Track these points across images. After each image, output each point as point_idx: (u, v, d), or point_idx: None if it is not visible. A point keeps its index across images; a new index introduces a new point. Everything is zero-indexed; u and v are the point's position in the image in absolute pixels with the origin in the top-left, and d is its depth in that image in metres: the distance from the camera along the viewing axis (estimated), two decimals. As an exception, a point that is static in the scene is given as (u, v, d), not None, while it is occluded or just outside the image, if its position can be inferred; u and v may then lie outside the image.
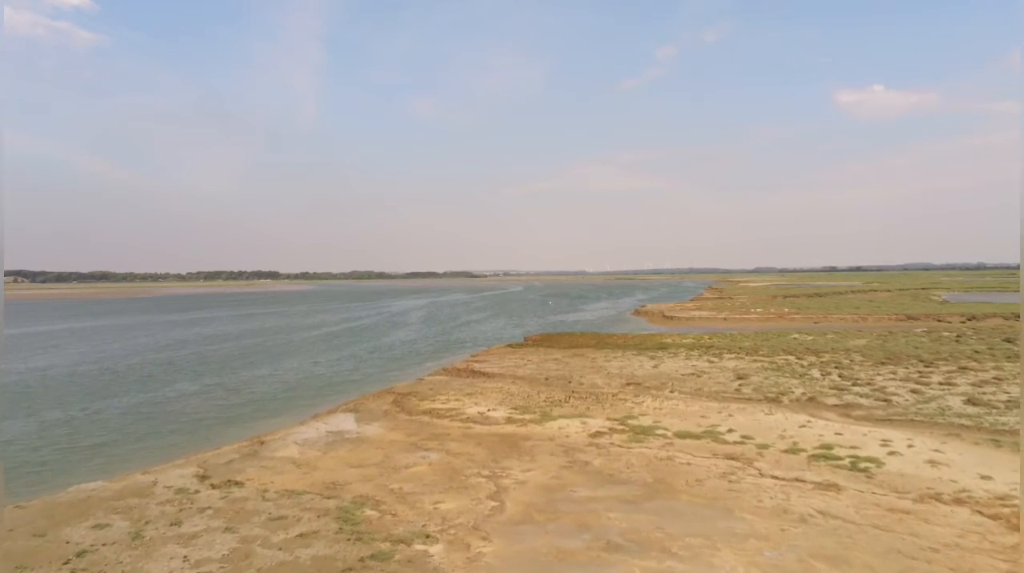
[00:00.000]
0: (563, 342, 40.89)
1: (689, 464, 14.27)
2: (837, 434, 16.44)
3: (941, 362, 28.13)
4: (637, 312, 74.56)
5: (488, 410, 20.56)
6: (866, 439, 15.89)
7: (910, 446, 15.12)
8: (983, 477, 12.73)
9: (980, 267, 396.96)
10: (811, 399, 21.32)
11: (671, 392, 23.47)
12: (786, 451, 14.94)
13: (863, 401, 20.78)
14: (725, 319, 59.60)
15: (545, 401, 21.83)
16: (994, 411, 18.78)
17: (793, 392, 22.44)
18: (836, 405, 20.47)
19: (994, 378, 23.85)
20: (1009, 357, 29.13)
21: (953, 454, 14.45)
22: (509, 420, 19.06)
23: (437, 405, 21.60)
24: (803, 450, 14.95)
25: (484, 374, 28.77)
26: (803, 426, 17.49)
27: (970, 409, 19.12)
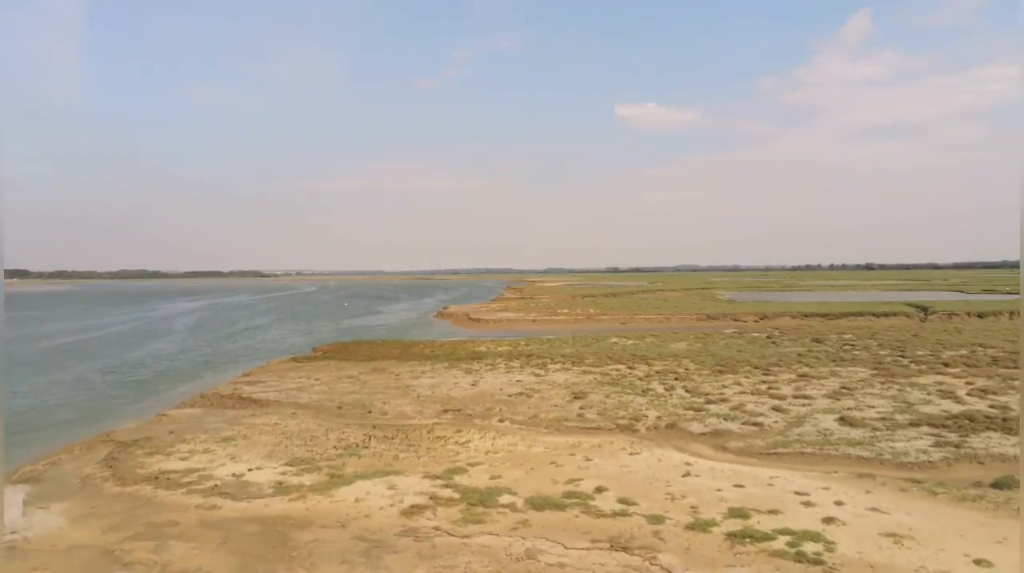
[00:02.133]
0: (361, 353, 34.59)
1: (563, 567, 9.14)
2: (737, 486, 12.26)
3: (775, 368, 25.99)
4: (441, 314, 69.71)
5: (249, 469, 14.06)
6: (777, 493, 11.84)
7: (838, 504, 11.21)
8: (977, 563, 8.93)
9: (736, 269, 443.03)
10: (671, 426, 17.34)
11: (501, 421, 18.46)
12: (690, 527, 10.32)
13: (731, 426, 17.16)
14: (534, 321, 56.50)
15: (336, 446, 15.78)
16: (878, 434, 15.89)
17: (646, 415, 18.41)
18: (703, 433, 16.62)
19: (843, 387, 21.65)
20: (835, 360, 27.89)
21: (900, 515, 10.71)
22: (280, 487, 12.79)
23: (172, 463, 14.67)
24: (712, 523, 10.43)
25: (255, 402, 21.91)
26: (687, 474, 13.16)
27: (853, 432, 16.09)
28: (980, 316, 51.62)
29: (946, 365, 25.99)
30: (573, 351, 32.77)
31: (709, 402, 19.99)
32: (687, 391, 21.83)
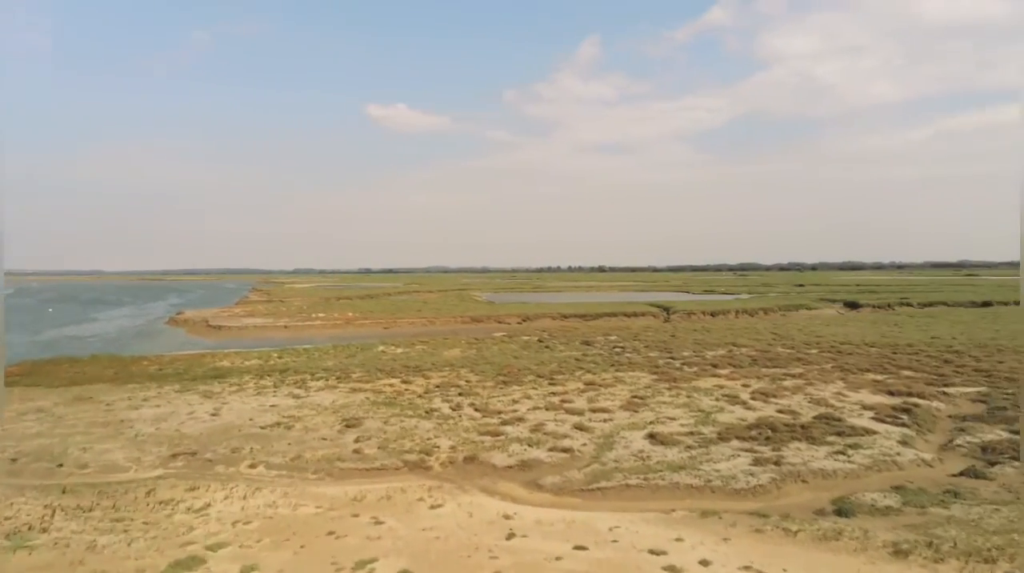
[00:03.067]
0: (61, 374, 27.23)
1: None
2: (579, 549, 9.59)
3: (559, 376, 24.46)
4: (174, 321, 60.49)
5: None
6: (628, 554, 9.37)
7: (705, 564, 9.06)
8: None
9: (485, 270, 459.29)
10: (471, 459, 14.46)
11: (254, 466, 14.25)
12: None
13: (538, 454, 14.73)
14: (287, 327, 50.78)
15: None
16: (695, 453, 14.41)
17: (438, 446, 15.34)
18: (510, 466, 13.98)
19: (634, 397, 20.49)
20: (613, 364, 27.20)
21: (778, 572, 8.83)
22: None
23: None
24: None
25: None
26: (510, 535, 10.25)
27: (669, 454, 14.47)
28: (713, 315, 56.35)
29: (715, 366, 26.39)
30: (337, 363, 28.73)
31: (505, 423, 17.49)
32: (476, 409, 19.17)
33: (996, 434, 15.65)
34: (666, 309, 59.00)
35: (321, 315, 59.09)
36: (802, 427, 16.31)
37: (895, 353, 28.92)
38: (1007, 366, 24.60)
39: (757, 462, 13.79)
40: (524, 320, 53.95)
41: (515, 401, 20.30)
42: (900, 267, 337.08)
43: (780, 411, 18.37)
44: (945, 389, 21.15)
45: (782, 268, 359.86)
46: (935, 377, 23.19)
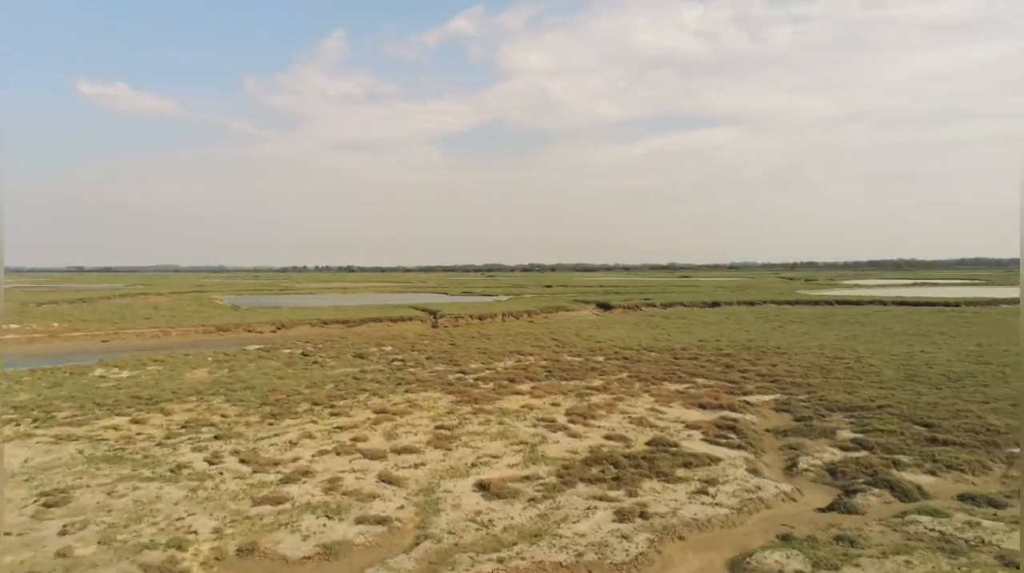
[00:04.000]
0: None
1: None
2: None
3: (340, 402, 20.38)
4: None
5: None
6: None
7: None
8: None
9: (222, 269, 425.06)
10: (248, 549, 10.11)
11: None
12: None
13: (345, 531, 10.81)
14: (-39, 343, 39.57)
15: None
16: (546, 511, 11.56)
17: (195, 531, 10.68)
18: (309, 557, 9.92)
19: (438, 427, 17.26)
20: (398, 382, 23.64)
21: None
22: None
23: None
24: None
25: None
26: None
27: (514, 512, 11.37)
28: (481, 318, 54.99)
29: (511, 381, 24.04)
30: (34, 397, 21.60)
31: (287, 480, 13.21)
32: (243, 461, 14.54)
33: (829, 452, 14.94)
34: (433, 313, 56.48)
35: (13, 327, 47.48)
36: (644, 459, 14.27)
37: (676, 358, 28.99)
38: (781, 369, 25.42)
39: (621, 516, 11.28)
40: (279, 328, 47.97)
41: (293, 443, 15.96)
42: (626, 269, 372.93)
43: (609, 438, 16.31)
44: (745, 398, 20.84)
45: (524, 269, 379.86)
46: (729, 384, 23.06)
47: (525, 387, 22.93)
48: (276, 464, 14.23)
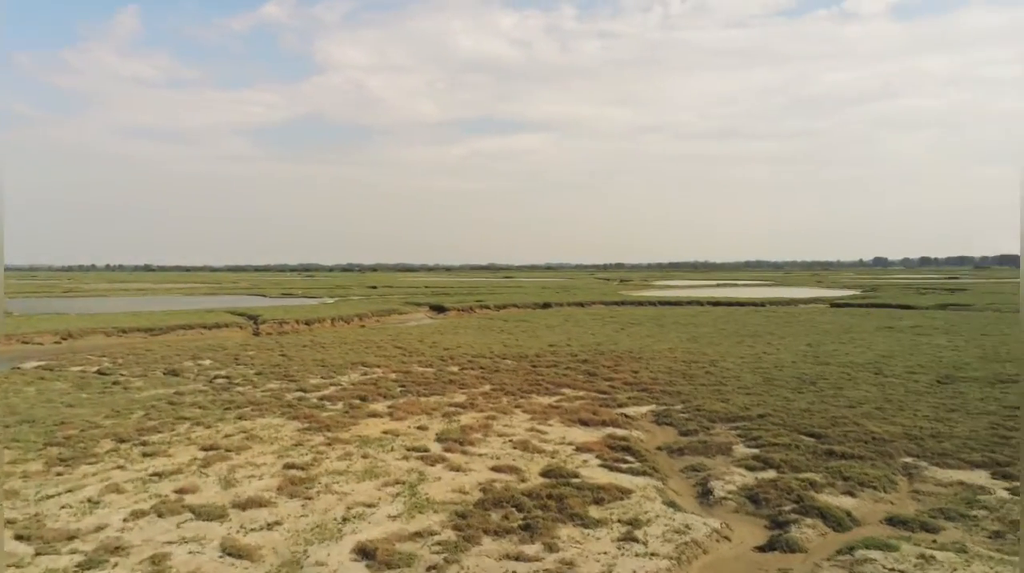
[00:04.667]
0: None
1: None
2: None
3: (154, 437, 16.43)
4: None
5: None
6: None
7: None
8: None
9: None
10: None
11: None
12: None
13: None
14: None
15: None
16: (445, 577, 9.19)
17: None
18: None
19: (291, 469, 14.11)
20: (227, 405, 19.86)
21: None
22: None
23: None
24: None
25: None
26: None
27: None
28: (308, 324, 50.53)
29: (363, 399, 21.09)
30: None
31: (87, 566, 9.64)
32: (20, 536, 10.60)
33: (737, 474, 13.78)
34: (253, 318, 51.15)
35: None
36: (549, 497, 12.22)
37: (535, 366, 27.45)
38: (645, 376, 24.66)
39: (550, 583, 9.14)
40: (65, 338, 40.71)
41: (94, 502, 12.12)
42: (448, 269, 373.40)
43: (498, 469, 14.09)
44: (623, 411, 19.57)
45: (344, 269, 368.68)
46: (600, 395, 21.77)
47: (381, 407, 20.12)
48: (71, 538, 10.49)
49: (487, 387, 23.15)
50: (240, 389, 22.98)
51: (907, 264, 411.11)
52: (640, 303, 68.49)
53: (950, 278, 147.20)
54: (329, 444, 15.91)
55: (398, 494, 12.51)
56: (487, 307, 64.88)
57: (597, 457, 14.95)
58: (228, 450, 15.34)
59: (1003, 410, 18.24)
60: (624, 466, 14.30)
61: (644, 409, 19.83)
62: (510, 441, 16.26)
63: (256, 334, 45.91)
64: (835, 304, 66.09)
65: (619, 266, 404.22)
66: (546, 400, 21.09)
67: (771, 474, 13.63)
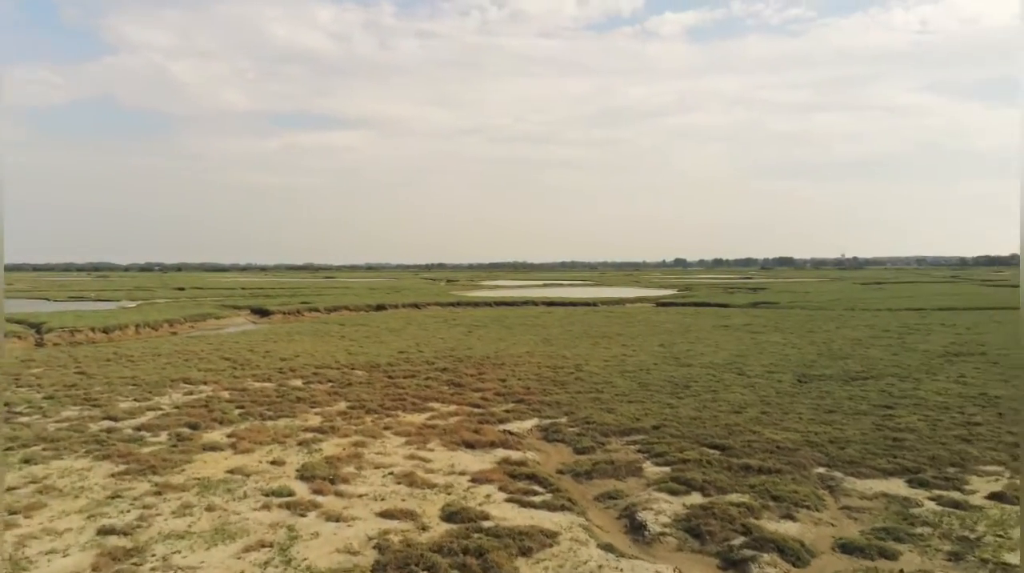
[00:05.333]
0: None
1: None
2: None
3: None
4: None
5: None
6: None
7: None
8: None
9: None
10: None
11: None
12: None
13: None
14: None
15: None
16: None
17: None
18: None
19: (107, 533, 10.59)
20: (9, 446, 15.31)
21: None
22: None
23: None
24: None
25: None
26: None
27: None
28: (107, 332, 43.57)
29: (192, 427, 17.34)
30: None
31: None
32: None
33: (663, 501, 12.24)
34: (36, 326, 43.29)
35: None
36: (466, 551, 9.87)
37: (391, 377, 24.73)
38: (515, 384, 22.87)
39: None
40: None
41: None
42: (262, 269, 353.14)
43: (388, 515, 11.46)
44: (506, 428, 17.62)
45: (142, 268, 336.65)
46: (475, 409, 19.64)
47: (219, 436, 16.58)
48: None
49: (343, 404, 20.19)
50: (24, 420, 18.20)
51: (703, 265, 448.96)
52: (477, 304, 67.19)
53: (746, 278, 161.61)
54: (158, 493, 12.42)
55: (267, 563, 9.60)
56: (316, 310, 60.33)
57: (500, 489, 12.82)
58: (13, 513, 11.40)
59: (876, 410, 18.47)
60: (536, 500, 12.31)
61: (528, 424, 18.00)
62: (391, 474, 13.68)
63: (40, 345, 38.71)
64: (660, 303, 68.94)
65: (441, 266, 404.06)
66: (416, 418, 18.61)
67: (698, 498, 12.26)
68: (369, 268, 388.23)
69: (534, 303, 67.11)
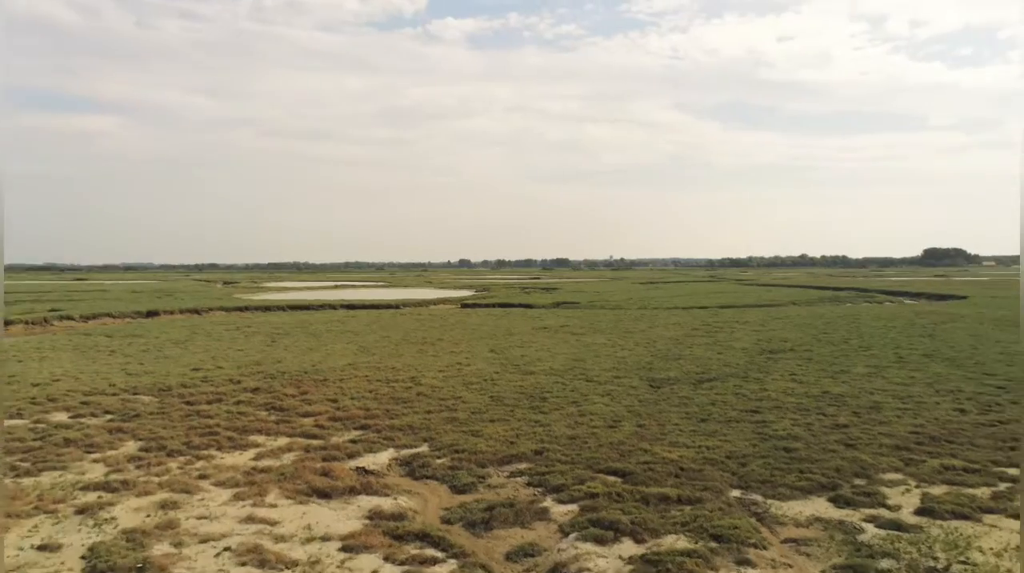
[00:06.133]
0: None
1: None
2: None
3: None
4: None
5: None
6: None
7: None
8: None
9: None
10: None
11: None
12: None
13: None
14: None
15: None
16: None
17: None
18: None
19: None
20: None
21: None
22: None
23: None
24: None
25: None
26: None
27: None
28: None
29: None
30: None
31: None
32: None
33: (593, 552, 9.97)
34: None
35: None
36: None
37: (190, 403, 20.09)
38: (352, 405, 19.46)
39: None
40: None
41: None
42: None
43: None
44: (357, 462, 14.42)
45: None
46: (312, 440, 16.05)
47: (-52, 509, 11.58)
48: None
49: (133, 445, 15.61)
50: None
51: (487, 265, 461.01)
52: (269, 308, 60.98)
53: (534, 278, 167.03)
54: None
55: None
56: (70, 318, 50.75)
57: (387, 560, 9.80)
58: None
59: (745, 416, 17.84)
60: (439, 570, 9.49)
61: (383, 457, 14.94)
62: (228, 551, 10.03)
63: None
64: (465, 304, 67.59)
65: (214, 267, 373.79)
66: (239, 459, 14.72)
67: (633, 547, 10.18)
68: (128, 269, 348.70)
69: (332, 307, 62.43)
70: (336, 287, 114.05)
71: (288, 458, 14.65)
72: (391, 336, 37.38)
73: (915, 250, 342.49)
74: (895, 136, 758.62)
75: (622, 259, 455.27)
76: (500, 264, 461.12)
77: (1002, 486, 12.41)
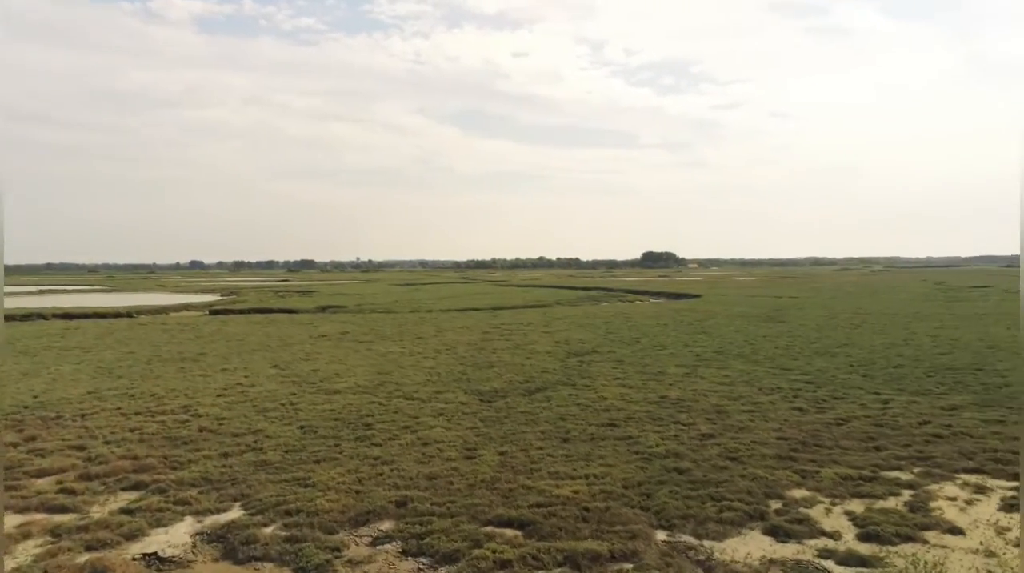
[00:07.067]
0: None
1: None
2: None
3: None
4: None
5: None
6: None
7: None
8: None
9: None
10: None
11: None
12: None
13: None
14: None
15: None
16: None
17: None
18: None
19: None
20: None
21: None
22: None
23: None
24: None
25: None
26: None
27: None
28: None
29: None
30: None
31: None
32: None
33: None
34: None
35: None
36: None
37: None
38: (111, 450, 14.30)
39: None
40: None
41: None
42: None
43: None
44: (143, 548, 10.02)
45: None
46: (60, 514, 11.07)
47: None
48: None
49: None
50: None
51: (223, 267, 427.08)
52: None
53: (283, 280, 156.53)
54: None
55: None
56: None
57: None
58: None
59: (604, 431, 16.07)
60: None
61: (180, 531, 10.63)
62: None
63: None
64: (214, 311, 59.74)
65: None
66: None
67: (599, 642, 7.55)
68: None
69: (43, 316, 51.17)
70: (42, 293, 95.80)
71: (28, 554, 9.74)
72: (136, 352, 30.55)
73: (635, 253, 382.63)
74: (615, 151, 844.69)
75: (370, 261, 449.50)
76: (239, 266, 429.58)
77: (905, 495, 11.84)
